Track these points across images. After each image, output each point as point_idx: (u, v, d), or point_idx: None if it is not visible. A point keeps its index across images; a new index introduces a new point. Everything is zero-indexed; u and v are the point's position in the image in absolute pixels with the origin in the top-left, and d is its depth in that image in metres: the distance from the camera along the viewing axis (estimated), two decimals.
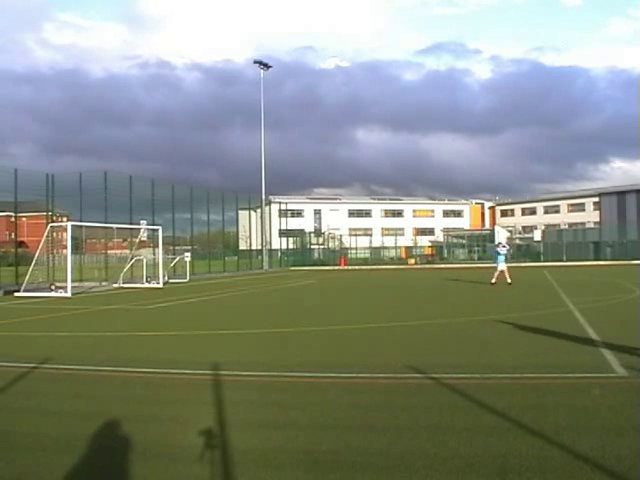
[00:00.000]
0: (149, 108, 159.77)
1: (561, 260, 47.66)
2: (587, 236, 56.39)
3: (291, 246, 57.71)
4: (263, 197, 51.73)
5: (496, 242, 35.25)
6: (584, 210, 76.66)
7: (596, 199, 75.96)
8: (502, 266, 22.57)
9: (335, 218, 79.31)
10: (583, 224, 67.92)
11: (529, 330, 10.54)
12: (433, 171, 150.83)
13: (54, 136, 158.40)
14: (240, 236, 47.93)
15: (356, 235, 69.13)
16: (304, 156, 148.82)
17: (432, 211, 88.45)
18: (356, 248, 65.34)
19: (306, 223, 74.02)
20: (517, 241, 67.13)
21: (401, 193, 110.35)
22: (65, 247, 24.08)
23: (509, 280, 21.97)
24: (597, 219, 72.24)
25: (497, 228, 72.98)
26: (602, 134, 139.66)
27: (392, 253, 71.87)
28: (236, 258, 47.02)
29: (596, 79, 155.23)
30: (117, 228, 30.72)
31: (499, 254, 23.07)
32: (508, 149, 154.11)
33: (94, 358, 8.31)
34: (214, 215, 41.13)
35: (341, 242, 65.99)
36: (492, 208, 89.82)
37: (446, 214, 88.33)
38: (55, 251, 29.03)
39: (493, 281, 22.21)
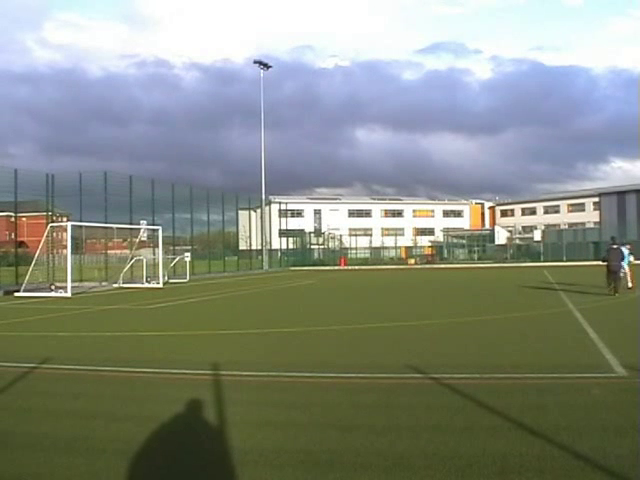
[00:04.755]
0: (149, 107, 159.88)
1: (561, 260, 47.64)
2: (587, 236, 56.35)
3: (291, 246, 57.71)
4: (263, 197, 51.75)
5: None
6: (584, 210, 76.68)
7: (596, 199, 75.96)
8: (626, 268, 19.53)
9: (335, 218, 79.32)
10: (583, 224, 67.91)
11: (529, 330, 10.56)
12: (434, 171, 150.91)
13: (53, 136, 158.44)
14: (240, 236, 47.92)
15: (356, 235, 69.18)
16: (304, 156, 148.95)
17: (432, 211, 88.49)
18: (356, 248, 65.37)
19: (306, 223, 74.05)
20: (517, 241, 67.16)
21: (403, 193, 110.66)
22: (65, 247, 24.07)
23: (630, 284, 19.37)
24: (597, 219, 72.21)
25: (497, 228, 73.11)
26: (602, 134, 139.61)
27: (392, 253, 71.85)
28: (236, 258, 47.01)
29: (596, 78, 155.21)
30: (117, 228, 30.74)
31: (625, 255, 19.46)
32: (508, 149, 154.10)
33: (94, 358, 8.31)
34: (214, 215, 41.20)
35: (341, 242, 65.99)
36: (492, 208, 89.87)
37: (446, 214, 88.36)
38: (55, 251, 29.00)
39: (630, 285, 19.30)
